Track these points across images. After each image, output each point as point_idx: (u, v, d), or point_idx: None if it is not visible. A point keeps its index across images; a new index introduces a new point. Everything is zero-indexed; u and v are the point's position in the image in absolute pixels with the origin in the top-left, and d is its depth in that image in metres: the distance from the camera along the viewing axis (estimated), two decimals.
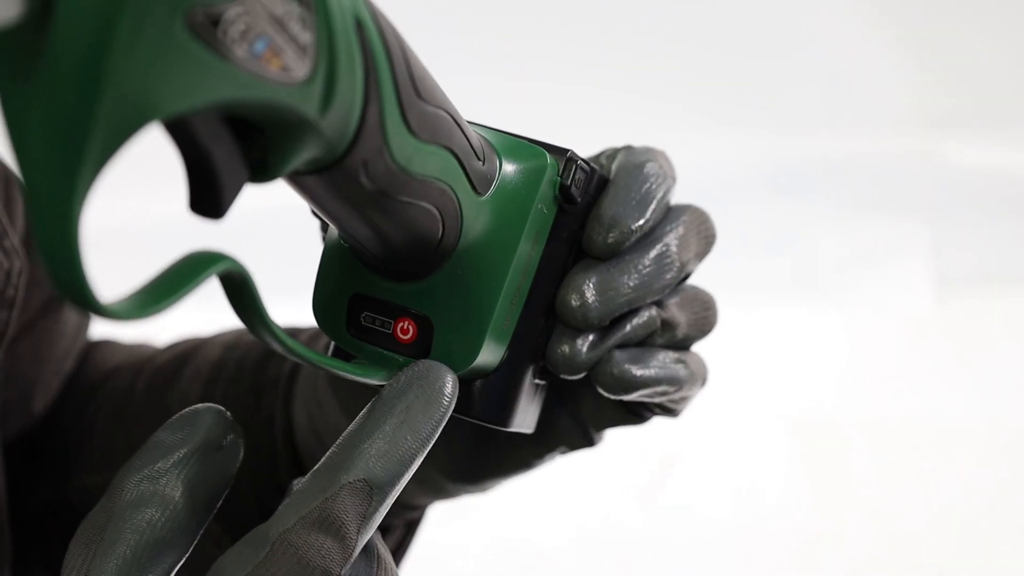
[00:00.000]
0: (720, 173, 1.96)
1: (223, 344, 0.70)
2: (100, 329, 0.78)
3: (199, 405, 0.46)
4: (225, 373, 0.68)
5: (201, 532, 0.45)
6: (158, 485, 0.44)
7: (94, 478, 0.69)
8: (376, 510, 0.44)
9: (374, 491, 0.44)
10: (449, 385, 0.46)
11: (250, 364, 0.68)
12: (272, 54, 0.38)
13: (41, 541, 0.71)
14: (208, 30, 0.35)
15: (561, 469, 1.10)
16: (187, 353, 0.71)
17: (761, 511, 1.42)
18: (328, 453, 0.45)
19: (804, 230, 1.94)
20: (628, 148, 0.53)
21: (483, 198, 0.49)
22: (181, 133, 0.38)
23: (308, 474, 0.45)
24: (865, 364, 1.69)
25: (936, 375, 1.64)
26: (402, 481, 0.45)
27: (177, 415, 0.46)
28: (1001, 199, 1.96)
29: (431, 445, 0.45)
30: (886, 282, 1.87)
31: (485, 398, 0.51)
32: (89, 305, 0.36)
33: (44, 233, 0.34)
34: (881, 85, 2.06)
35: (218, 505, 0.46)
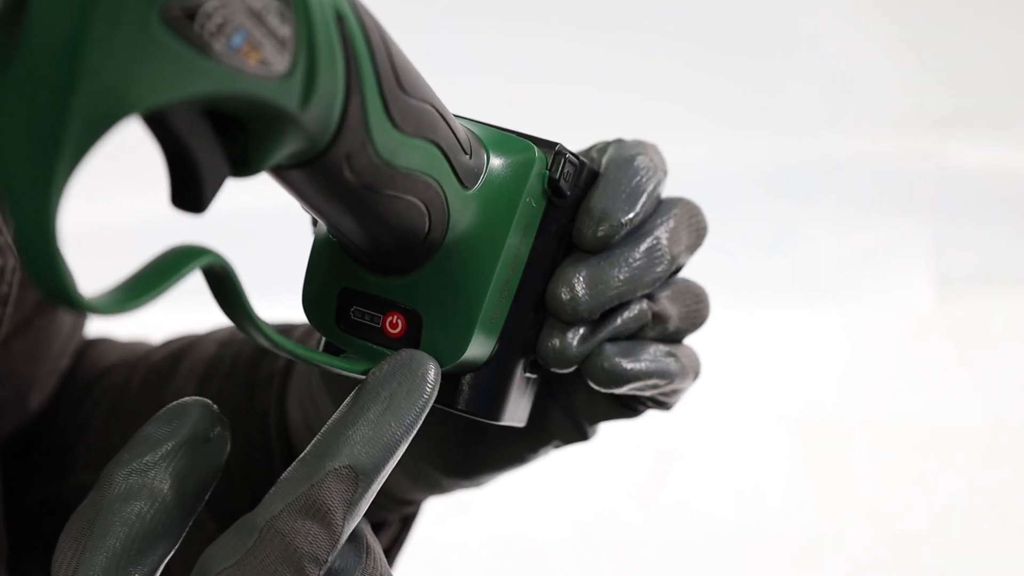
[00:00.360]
0: (721, 173, 1.96)
1: (218, 341, 0.70)
2: (96, 327, 0.78)
3: (186, 399, 0.46)
4: (220, 369, 0.68)
5: (190, 525, 0.46)
6: (146, 478, 0.45)
7: (90, 476, 0.69)
8: (362, 496, 0.44)
9: (359, 477, 0.44)
10: (432, 373, 0.46)
11: (245, 361, 0.68)
12: (250, 48, 0.37)
13: (37, 539, 0.71)
14: (184, 24, 0.35)
15: (560, 466, 1.10)
16: (182, 350, 0.71)
17: (762, 511, 1.42)
18: (313, 441, 0.45)
19: (805, 230, 1.94)
20: (619, 141, 0.53)
21: (470, 192, 0.48)
22: (160, 127, 0.38)
23: (294, 462, 0.45)
24: (866, 364, 1.69)
25: (936, 375, 1.63)
26: (387, 468, 0.45)
27: (164, 409, 0.46)
28: (1001, 199, 1.96)
29: (415, 432, 0.45)
30: (886, 282, 1.87)
31: (475, 392, 0.51)
32: (69, 300, 0.36)
33: (22, 227, 0.34)
34: (881, 85, 2.06)
35: (206, 498, 0.46)
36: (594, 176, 0.52)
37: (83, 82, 0.33)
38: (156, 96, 0.35)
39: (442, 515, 1.21)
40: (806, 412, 1.57)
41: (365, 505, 0.44)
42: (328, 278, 0.50)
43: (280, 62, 0.39)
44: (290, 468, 0.45)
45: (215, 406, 0.46)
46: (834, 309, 1.79)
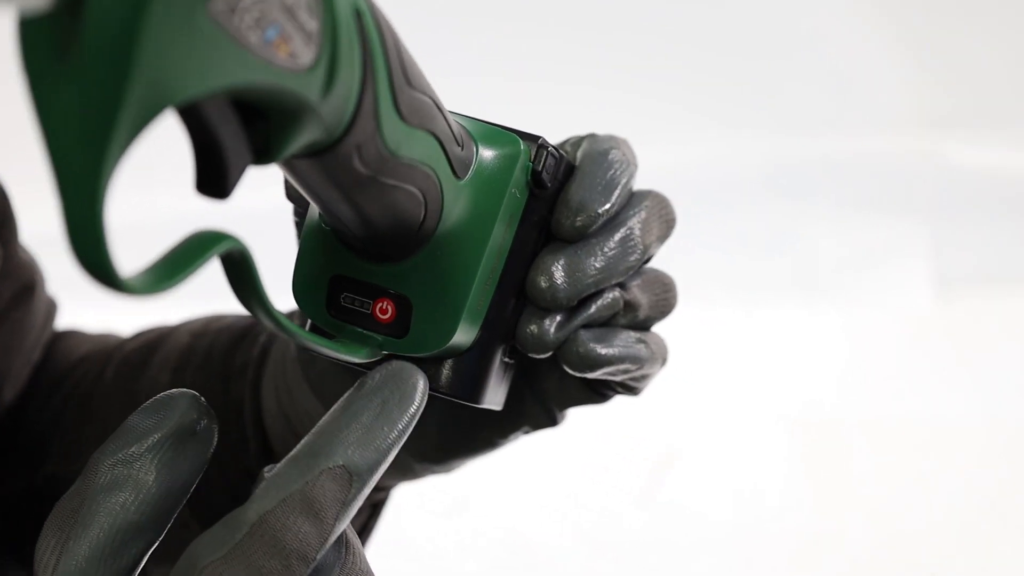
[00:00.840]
0: (720, 173, 1.96)
1: (191, 332, 0.71)
2: (64, 319, 0.79)
3: (173, 390, 0.47)
4: (194, 360, 0.69)
5: (174, 517, 0.46)
6: (132, 469, 0.45)
7: (62, 467, 0.70)
8: (355, 497, 0.45)
9: (353, 478, 0.45)
10: (421, 383, 0.47)
11: (218, 351, 0.69)
12: (282, 41, 0.39)
13: (12, 531, 0.72)
14: (227, 17, 0.37)
15: (559, 465, 1.10)
16: (155, 341, 0.72)
17: (761, 511, 1.42)
18: (304, 441, 0.46)
19: (804, 230, 1.94)
20: (592, 136, 0.56)
21: (462, 182, 0.50)
22: (192, 115, 0.40)
23: (283, 460, 0.46)
24: (865, 364, 1.69)
25: (936, 375, 1.64)
26: (379, 471, 0.46)
27: (152, 400, 0.47)
28: (1001, 199, 1.96)
29: (404, 439, 0.47)
30: (886, 282, 1.87)
31: (458, 376, 0.53)
32: (112, 282, 0.37)
33: (71, 210, 0.36)
34: (881, 85, 2.06)
35: (191, 490, 0.47)
36: (571, 169, 0.54)
37: (137, 71, 0.35)
38: (199, 85, 0.37)
39: (441, 515, 1.21)
40: (805, 412, 1.57)
41: (356, 507, 0.45)
42: (320, 265, 0.52)
43: (306, 55, 0.40)
44: (280, 465, 0.46)
45: (203, 399, 0.47)
46: (833, 309, 1.79)
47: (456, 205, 0.50)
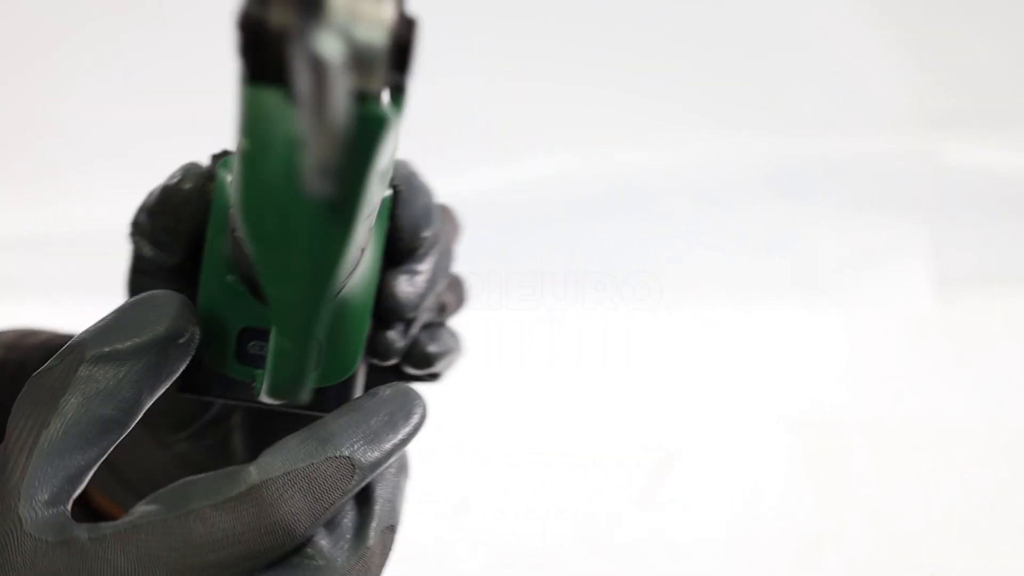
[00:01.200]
0: (720, 173, 1.96)
1: (3, 344, 0.72)
2: None
3: (166, 292, 0.50)
4: (6, 371, 0.70)
5: (140, 415, 0.49)
6: (115, 365, 0.47)
7: None
8: (353, 488, 0.48)
9: (356, 471, 0.48)
10: (421, 406, 0.52)
11: (31, 367, 0.70)
12: None
13: None
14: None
15: (559, 467, 1.10)
16: None
17: (761, 511, 1.42)
18: (311, 428, 0.49)
19: (804, 230, 1.94)
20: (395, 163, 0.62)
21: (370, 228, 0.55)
22: None
23: (292, 436, 0.49)
24: (865, 364, 1.69)
25: (936, 375, 1.64)
26: (378, 470, 0.50)
27: (145, 296, 0.49)
28: (1001, 199, 1.96)
29: (403, 448, 0.51)
30: (886, 282, 1.87)
31: (339, 395, 0.59)
32: (299, 400, 0.42)
33: (287, 378, 0.41)
34: (881, 85, 2.06)
35: (161, 392, 0.49)
36: (393, 197, 0.60)
37: (352, 233, 0.40)
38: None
39: (441, 516, 1.21)
40: (805, 412, 1.57)
41: (350, 496, 0.49)
42: (228, 320, 0.55)
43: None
44: (290, 439, 0.49)
45: (192, 305, 0.50)
46: (833, 309, 1.79)
47: (366, 252, 0.56)
